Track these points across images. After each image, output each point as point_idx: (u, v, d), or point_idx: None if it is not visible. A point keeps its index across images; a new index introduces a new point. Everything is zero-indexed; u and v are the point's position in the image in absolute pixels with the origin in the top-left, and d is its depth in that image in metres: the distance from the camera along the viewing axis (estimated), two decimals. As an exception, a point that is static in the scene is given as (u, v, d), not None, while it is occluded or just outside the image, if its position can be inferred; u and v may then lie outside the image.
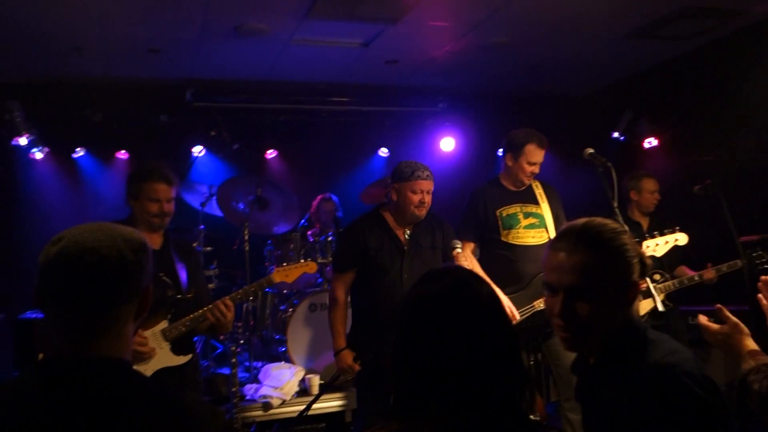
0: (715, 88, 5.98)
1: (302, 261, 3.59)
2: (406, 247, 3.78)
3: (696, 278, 4.68)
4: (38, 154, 6.41)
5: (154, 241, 3.31)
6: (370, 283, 3.78)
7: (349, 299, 3.95)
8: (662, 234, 4.13)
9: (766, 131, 5.53)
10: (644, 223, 5.13)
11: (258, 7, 5.07)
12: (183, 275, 3.33)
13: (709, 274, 4.66)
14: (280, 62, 6.35)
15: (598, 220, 1.81)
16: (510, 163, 4.25)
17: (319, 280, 5.61)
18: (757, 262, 4.49)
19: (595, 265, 1.71)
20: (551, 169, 5.51)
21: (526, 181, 4.23)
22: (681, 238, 4.18)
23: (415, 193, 3.68)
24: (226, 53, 6.06)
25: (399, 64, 6.56)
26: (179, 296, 3.27)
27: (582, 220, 1.80)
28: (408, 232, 3.83)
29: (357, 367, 3.64)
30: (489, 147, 7.55)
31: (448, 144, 7.52)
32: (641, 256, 1.79)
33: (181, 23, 5.31)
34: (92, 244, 1.39)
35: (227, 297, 3.26)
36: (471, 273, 1.59)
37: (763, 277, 2.29)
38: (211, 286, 5.52)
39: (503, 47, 6.10)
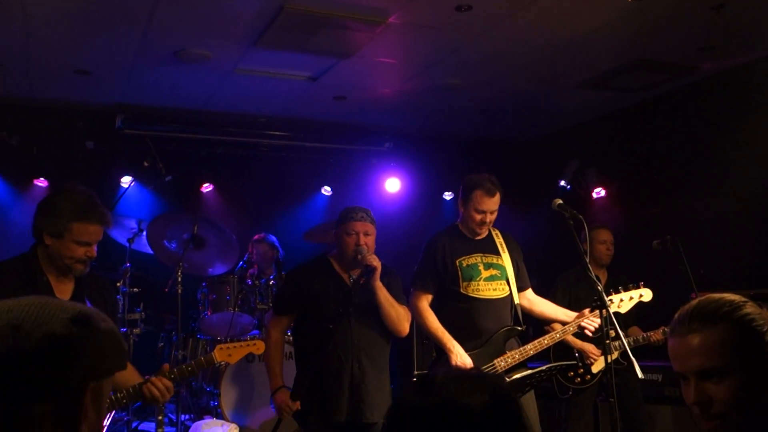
0: (663, 141, 6.01)
1: (249, 339, 3.31)
2: (352, 291, 3.52)
3: (641, 339, 4.60)
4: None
5: (65, 288, 2.80)
6: (315, 329, 3.52)
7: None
8: (626, 289, 3.96)
9: (713, 185, 5.55)
10: (602, 276, 4.98)
11: (202, 32, 4.73)
12: None
13: (657, 335, 4.59)
14: (221, 91, 5.99)
15: (714, 296, 1.64)
16: (461, 210, 3.98)
17: (255, 332, 5.15)
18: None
19: (718, 341, 1.55)
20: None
21: (478, 231, 3.92)
22: (646, 294, 4.00)
23: (349, 234, 3.56)
24: (163, 79, 5.66)
25: (347, 100, 6.32)
26: None
27: (695, 300, 1.65)
28: (353, 276, 3.63)
29: (295, 406, 3.44)
30: (435, 190, 7.37)
31: (393, 185, 7.30)
32: None
33: (116, 44, 4.91)
34: None
35: (164, 377, 2.77)
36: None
37: None
38: (136, 330, 5.04)
39: (454, 89, 5.96)
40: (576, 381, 4.70)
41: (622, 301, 3.93)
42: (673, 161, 5.93)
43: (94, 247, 2.78)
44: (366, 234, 3.59)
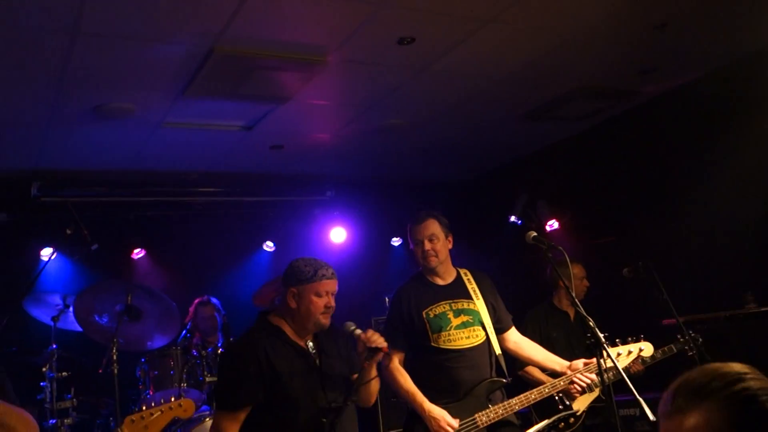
0: (611, 168, 5.93)
1: (172, 400, 2.54)
2: (317, 361, 3.06)
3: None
4: None
5: None
6: (285, 416, 2.91)
7: None
8: (625, 342, 3.73)
9: (666, 209, 5.46)
10: (571, 312, 4.75)
11: (124, 84, 4.35)
12: None
13: (637, 366, 4.34)
14: (148, 148, 5.57)
15: (711, 366, 1.32)
16: (412, 250, 3.77)
17: (204, 408, 4.63)
18: (692, 345, 4.22)
19: (703, 425, 1.23)
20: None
21: (428, 265, 3.69)
22: (646, 348, 3.80)
23: (320, 296, 3.01)
24: (83, 138, 5.21)
25: (284, 149, 5.99)
26: None
27: (688, 373, 1.33)
28: (311, 343, 3.11)
29: None
30: (382, 236, 7.08)
31: (338, 235, 6.97)
32: None
33: (27, 102, 4.46)
34: None
35: None
36: None
37: None
38: (68, 421, 4.46)
39: (396, 129, 5.75)
40: (560, 426, 4.40)
41: (620, 356, 3.68)
42: (623, 187, 5.85)
43: None
44: (333, 294, 3.08)
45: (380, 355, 2.92)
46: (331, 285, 3.06)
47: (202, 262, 6.48)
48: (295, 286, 3.02)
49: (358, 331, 2.98)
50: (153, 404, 2.54)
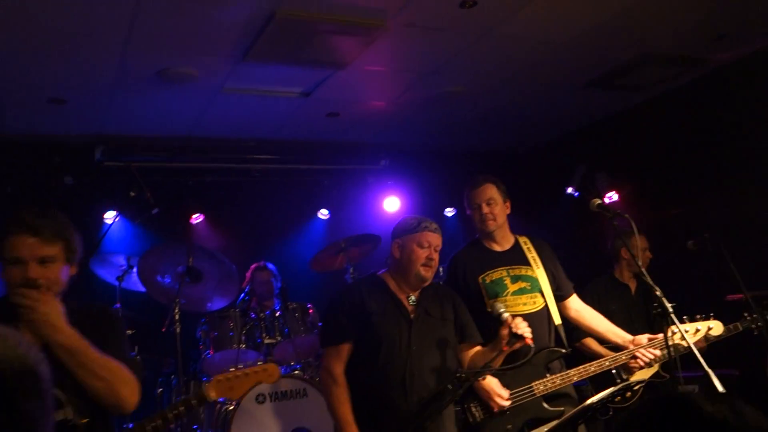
0: (677, 139, 5.73)
1: (260, 363, 2.63)
2: (412, 315, 3.16)
3: (682, 348, 4.25)
4: None
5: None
6: (368, 356, 3.10)
7: None
8: (693, 320, 3.63)
9: (736, 181, 5.26)
10: (632, 285, 4.64)
11: (187, 48, 4.39)
12: None
13: (700, 343, 4.20)
14: (208, 114, 5.63)
15: None
16: (470, 215, 3.73)
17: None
18: (760, 322, 4.07)
19: None
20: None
21: (486, 229, 3.65)
22: (715, 327, 3.70)
23: (422, 247, 3.14)
24: (146, 103, 5.30)
25: (340, 116, 5.98)
26: (71, 421, 2.12)
27: None
28: (413, 297, 3.22)
29: None
30: (436, 206, 7.03)
31: (392, 204, 6.95)
32: None
33: (93, 66, 4.54)
34: None
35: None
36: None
37: None
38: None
39: (455, 97, 5.66)
40: (616, 400, 4.31)
41: (687, 332, 3.57)
42: (689, 159, 5.64)
43: (46, 269, 2.20)
44: (437, 250, 3.19)
45: (520, 344, 2.97)
46: (434, 238, 3.17)
47: (259, 229, 6.57)
48: (399, 237, 3.21)
49: (506, 315, 3.03)
50: (241, 366, 2.62)
